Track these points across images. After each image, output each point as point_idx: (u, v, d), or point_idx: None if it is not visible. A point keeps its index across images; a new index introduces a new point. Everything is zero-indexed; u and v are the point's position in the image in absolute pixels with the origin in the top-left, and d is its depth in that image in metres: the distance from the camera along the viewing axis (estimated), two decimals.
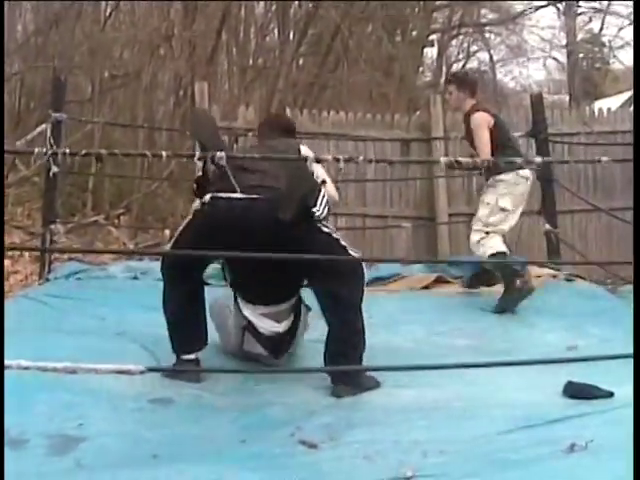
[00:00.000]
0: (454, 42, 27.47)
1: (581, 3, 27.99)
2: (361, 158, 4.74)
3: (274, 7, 17.13)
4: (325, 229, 4.61)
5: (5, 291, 7.68)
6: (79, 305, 6.31)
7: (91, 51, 13.75)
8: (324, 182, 4.76)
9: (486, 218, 6.99)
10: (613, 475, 2.92)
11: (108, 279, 7.42)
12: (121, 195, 12.59)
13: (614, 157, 8.95)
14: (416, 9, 19.49)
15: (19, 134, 10.58)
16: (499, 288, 7.02)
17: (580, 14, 28.83)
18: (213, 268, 5.62)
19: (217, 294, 5.20)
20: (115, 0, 15.00)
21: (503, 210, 6.99)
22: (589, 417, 3.79)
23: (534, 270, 7.43)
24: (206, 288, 4.97)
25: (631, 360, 3.12)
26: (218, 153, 4.44)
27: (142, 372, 2.74)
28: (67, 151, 6.18)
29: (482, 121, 6.97)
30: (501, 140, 6.96)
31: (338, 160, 4.51)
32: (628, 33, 27.57)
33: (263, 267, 4.53)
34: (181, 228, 4.79)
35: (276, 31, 17.19)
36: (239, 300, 4.99)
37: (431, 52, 25.32)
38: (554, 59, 30.81)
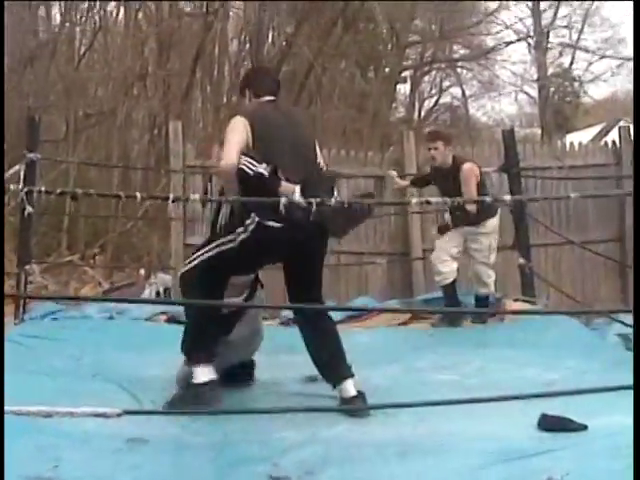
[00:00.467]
0: (427, 78, 27.79)
1: (551, 38, 28.38)
2: (333, 200, 4.78)
3: (247, 45, 17.24)
4: None
5: None
6: (55, 345, 6.29)
7: (66, 90, 13.79)
8: None
9: (487, 259, 7.89)
10: None
11: (84, 319, 7.41)
12: (96, 234, 12.58)
13: (586, 190, 9.10)
14: (389, 45, 19.67)
15: None
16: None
17: (550, 49, 29.20)
18: None
19: None
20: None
21: (493, 250, 7.92)
22: (564, 450, 3.80)
23: (510, 304, 7.51)
24: None
25: (605, 394, 3.15)
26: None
27: (119, 415, 2.74)
28: (42, 189, 6.18)
29: (472, 173, 7.79)
30: (482, 188, 7.82)
31: (310, 204, 4.60)
32: (597, 67, 27.95)
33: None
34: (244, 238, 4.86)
35: None
36: None
37: (404, 88, 25.56)
38: (526, 93, 31.19)
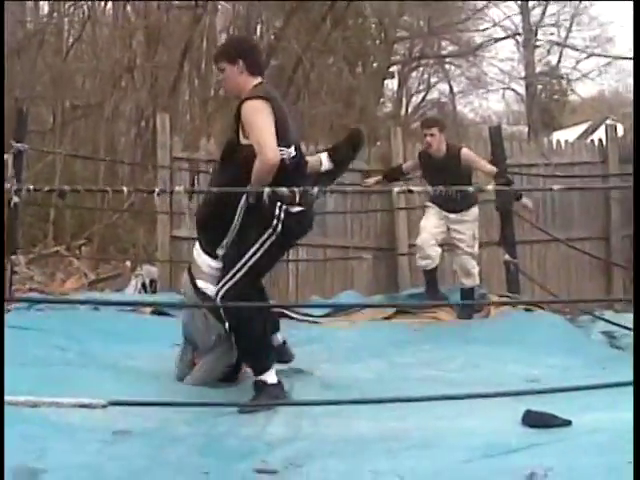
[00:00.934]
0: (414, 74, 27.79)
1: (539, 36, 28.44)
2: (315, 189, 4.78)
3: None
4: None
5: None
6: (40, 336, 6.27)
7: (53, 81, 13.75)
8: None
9: (472, 249, 7.99)
10: None
11: (69, 310, 7.38)
12: (82, 226, 12.56)
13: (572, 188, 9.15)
14: (377, 41, 19.68)
15: None
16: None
17: (538, 46, 29.25)
18: None
19: None
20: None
21: (476, 239, 8.04)
22: (548, 446, 3.81)
23: (495, 300, 7.55)
24: None
25: (589, 391, 3.17)
26: None
27: (104, 406, 2.74)
28: (31, 187, 6.16)
29: (473, 153, 8.19)
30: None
31: (293, 193, 4.57)
32: (585, 65, 28.01)
33: None
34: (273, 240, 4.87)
35: None
36: None
37: (392, 84, 25.58)
38: (513, 91, 31.20)
